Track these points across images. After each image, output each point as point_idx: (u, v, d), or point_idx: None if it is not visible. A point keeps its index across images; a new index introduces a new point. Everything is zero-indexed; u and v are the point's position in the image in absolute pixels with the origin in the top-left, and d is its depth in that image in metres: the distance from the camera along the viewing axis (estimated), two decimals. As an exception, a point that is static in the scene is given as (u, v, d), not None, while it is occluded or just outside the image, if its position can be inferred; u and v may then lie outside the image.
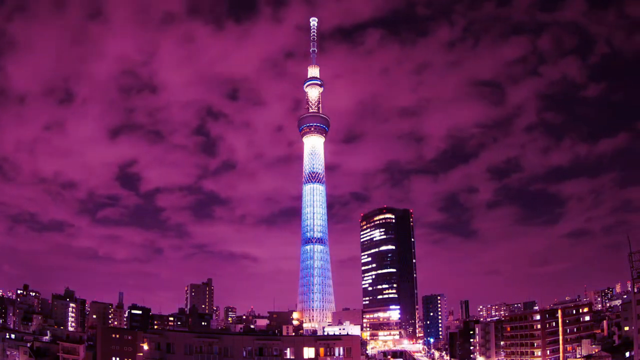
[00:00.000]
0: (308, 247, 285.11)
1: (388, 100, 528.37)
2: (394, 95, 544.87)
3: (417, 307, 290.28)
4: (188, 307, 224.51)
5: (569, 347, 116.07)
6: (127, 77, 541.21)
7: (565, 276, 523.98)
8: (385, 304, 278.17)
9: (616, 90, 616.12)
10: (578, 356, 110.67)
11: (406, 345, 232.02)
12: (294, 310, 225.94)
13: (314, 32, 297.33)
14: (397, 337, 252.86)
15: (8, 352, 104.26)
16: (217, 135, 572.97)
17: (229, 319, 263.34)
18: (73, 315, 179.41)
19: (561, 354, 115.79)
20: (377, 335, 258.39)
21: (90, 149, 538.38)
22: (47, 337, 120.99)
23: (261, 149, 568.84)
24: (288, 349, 71.67)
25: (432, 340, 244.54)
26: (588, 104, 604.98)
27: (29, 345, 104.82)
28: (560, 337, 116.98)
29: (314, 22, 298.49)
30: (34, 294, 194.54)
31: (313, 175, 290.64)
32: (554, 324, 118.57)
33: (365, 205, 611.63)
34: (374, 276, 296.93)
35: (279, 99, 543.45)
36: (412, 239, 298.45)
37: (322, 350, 71.92)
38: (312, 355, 71.47)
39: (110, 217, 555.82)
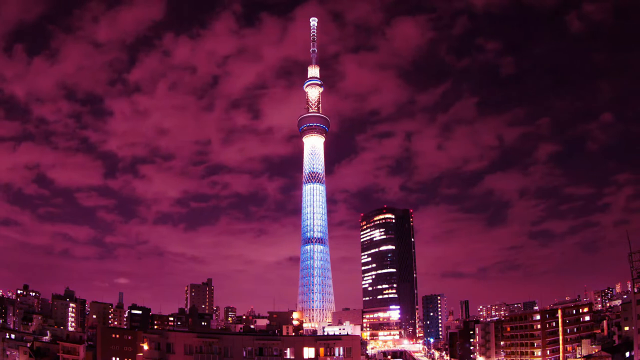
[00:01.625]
0: (308, 247, 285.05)
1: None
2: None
3: (417, 307, 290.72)
4: (188, 307, 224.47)
5: (569, 347, 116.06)
6: None
7: (547, 278, 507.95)
8: (385, 304, 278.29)
9: (497, 57, 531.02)
10: (578, 356, 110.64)
11: (406, 345, 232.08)
12: (294, 310, 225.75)
13: (313, 32, 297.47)
14: (397, 337, 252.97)
15: (8, 352, 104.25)
16: (94, 142, 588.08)
17: (229, 319, 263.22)
18: (73, 315, 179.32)
19: (561, 354, 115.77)
20: (377, 335, 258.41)
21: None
22: (47, 337, 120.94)
23: (125, 151, 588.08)
24: (288, 349, 71.57)
25: (432, 340, 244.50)
26: (459, 78, 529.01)
27: (29, 345, 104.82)
28: (560, 337, 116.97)
29: (313, 22, 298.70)
30: (34, 294, 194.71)
31: (313, 175, 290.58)
32: (554, 324, 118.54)
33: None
34: (374, 276, 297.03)
35: (117, 103, 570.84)
36: (412, 239, 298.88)
37: (322, 350, 71.83)
38: (312, 355, 71.38)
39: (49, 216, 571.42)
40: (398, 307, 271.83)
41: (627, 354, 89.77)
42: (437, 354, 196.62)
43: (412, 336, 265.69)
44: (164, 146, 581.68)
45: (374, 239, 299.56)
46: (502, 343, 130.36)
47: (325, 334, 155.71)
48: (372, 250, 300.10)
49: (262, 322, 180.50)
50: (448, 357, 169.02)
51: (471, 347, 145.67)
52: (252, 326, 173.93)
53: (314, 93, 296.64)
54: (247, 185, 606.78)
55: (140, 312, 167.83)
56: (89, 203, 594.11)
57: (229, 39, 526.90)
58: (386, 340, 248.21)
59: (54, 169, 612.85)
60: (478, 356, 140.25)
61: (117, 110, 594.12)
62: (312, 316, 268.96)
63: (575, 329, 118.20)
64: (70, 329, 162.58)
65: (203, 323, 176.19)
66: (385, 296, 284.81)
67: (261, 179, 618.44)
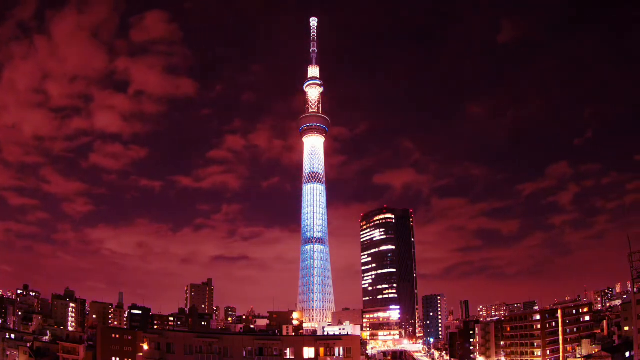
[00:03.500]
0: (308, 247, 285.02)
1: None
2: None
3: (417, 307, 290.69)
4: (188, 307, 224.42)
5: (569, 347, 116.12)
6: None
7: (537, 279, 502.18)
8: (385, 304, 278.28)
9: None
10: (578, 356, 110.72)
11: (406, 345, 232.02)
12: (294, 310, 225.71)
13: (314, 32, 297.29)
14: (397, 337, 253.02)
15: (8, 352, 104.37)
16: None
17: (229, 319, 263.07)
18: (73, 315, 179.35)
19: (561, 354, 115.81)
20: (377, 335, 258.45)
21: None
22: (47, 337, 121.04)
23: (20, 158, 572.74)
24: (288, 349, 71.59)
25: (432, 340, 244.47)
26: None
27: (29, 345, 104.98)
28: (560, 337, 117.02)
29: (313, 22, 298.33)
30: (34, 294, 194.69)
31: (313, 175, 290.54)
32: (554, 324, 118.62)
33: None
34: (374, 276, 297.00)
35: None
36: (412, 239, 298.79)
37: (322, 350, 71.84)
38: (312, 355, 71.40)
39: None
40: (398, 307, 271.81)
41: (627, 354, 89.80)
42: (437, 354, 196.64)
43: (412, 336, 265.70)
44: (46, 153, 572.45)
45: (374, 239, 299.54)
46: (502, 343, 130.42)
47: (325, 334, 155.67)
48: (372, 250, 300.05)
49: (262, 322, 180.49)
50: (448, 357, 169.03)
51: (471, 347, 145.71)
52: (252, 326, 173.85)
53: (314, 93, 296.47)
54: (134, 187, 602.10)
55: (140, 312, 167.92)
56: (18, 202, 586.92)
57: (29, 60, 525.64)
58: (386, 340, 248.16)
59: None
60: (478, 356, 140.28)
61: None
62: (312, 316, 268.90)
63: (575, 329, 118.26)
64: (70, 329, 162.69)
65: (203, 323, 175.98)
66: (385, 296, 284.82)
67: (140, 179, 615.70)
